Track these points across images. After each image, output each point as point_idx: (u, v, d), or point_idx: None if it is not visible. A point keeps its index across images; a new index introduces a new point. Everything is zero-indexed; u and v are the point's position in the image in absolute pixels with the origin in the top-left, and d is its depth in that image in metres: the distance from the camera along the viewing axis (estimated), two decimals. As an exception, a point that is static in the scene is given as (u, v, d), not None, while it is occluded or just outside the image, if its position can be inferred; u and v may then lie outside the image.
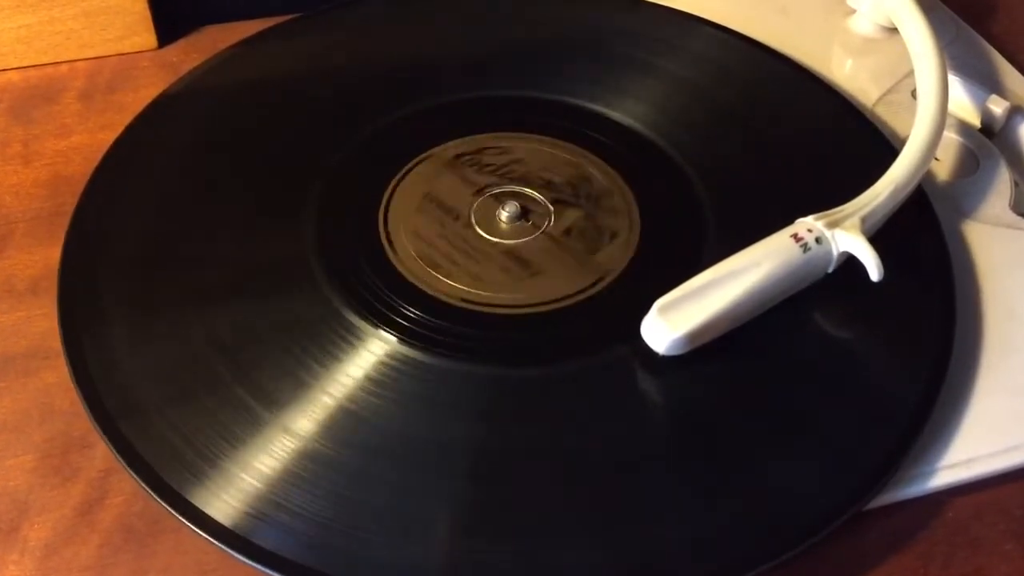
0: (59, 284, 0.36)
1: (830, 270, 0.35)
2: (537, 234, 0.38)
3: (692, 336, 0.33)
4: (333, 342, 0.34)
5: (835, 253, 0.35)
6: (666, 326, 0.33)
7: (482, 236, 0.38)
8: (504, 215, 0.38)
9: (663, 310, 0.33)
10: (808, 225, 0.35)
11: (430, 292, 0.36)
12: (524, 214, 0.38)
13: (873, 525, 0.32)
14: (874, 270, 0.34)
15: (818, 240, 0.35)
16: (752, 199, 0.40)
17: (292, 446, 0.31)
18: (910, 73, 0.43)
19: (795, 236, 0.35)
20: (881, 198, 0.36)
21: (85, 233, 0.37)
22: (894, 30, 0.46)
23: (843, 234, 0.35)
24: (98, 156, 0.40)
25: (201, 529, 0.30)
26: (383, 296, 0.35)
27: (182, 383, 0.33)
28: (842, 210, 0.36)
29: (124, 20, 0.47)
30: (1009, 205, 0.42)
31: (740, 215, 0.39)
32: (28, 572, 0.30)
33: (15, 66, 0.46)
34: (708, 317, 0.33)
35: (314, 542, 0.29)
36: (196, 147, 0.41)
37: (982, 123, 0.45)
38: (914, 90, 0.42)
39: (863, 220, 0.36)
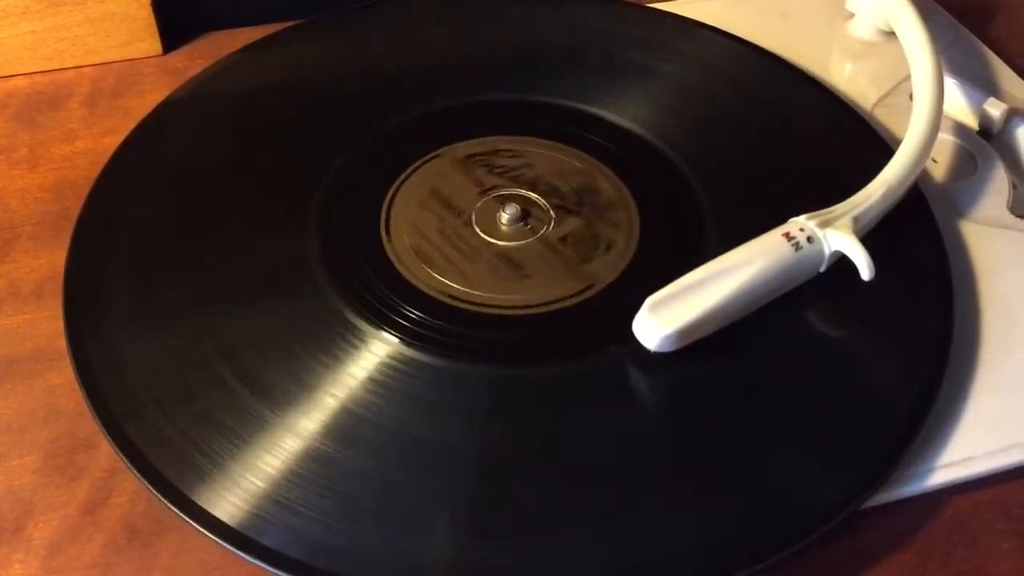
0: (64, 287, 0.36)
1: (822, 269, 0.36)
2: (536, 237, 0.38)
3: (683, 333, 0.33)
4: (335, 343, 0.34)
5: (827, 252, 0.35)
6: (656, 323, 0.33)
7: (480, 236, 0.38)
8: (505, 217, 0.38)
9: (654, 307, 0.33)
10: (800, 224, 0.35)
11: (430, 293, 0.36)
12: (524, 216, 0.39)
13: (871, 524, 0.32)
14: (865, 269, 0.35)
15: (809, 239, 0.35)
16: (753, 202, 0.40)
17: (295, 446, 0.31)
18: (908, 76, 0.43)
19: (787, 235, 0.35)
20: (874, 199, 0.37)
21: (90, 236, 0.38)
22: (893, 34, 0.46)
23: (835, 233, 0.35)
24: (103, 160, 0.40)
25: (204, 528, 0.30)
26: (384, 297, 0.36)
27: (186, 384, 0.33)
28: (834, 210, 0.36)
29: (129, 26, 0.47)
30: (1007, 207, 0.42)
31: (740, 218, 0.39)
32: (33, 571, 0.30)
33: (22, 72, 0.47)
34: (699, 314, 0.33)
35: (317, 541, 0.29)
36: (200, 151, 0.41)
37: (980, 125, 0.46)
38: (912, 93, 0.42)
39: (855, 220, 0.36)
